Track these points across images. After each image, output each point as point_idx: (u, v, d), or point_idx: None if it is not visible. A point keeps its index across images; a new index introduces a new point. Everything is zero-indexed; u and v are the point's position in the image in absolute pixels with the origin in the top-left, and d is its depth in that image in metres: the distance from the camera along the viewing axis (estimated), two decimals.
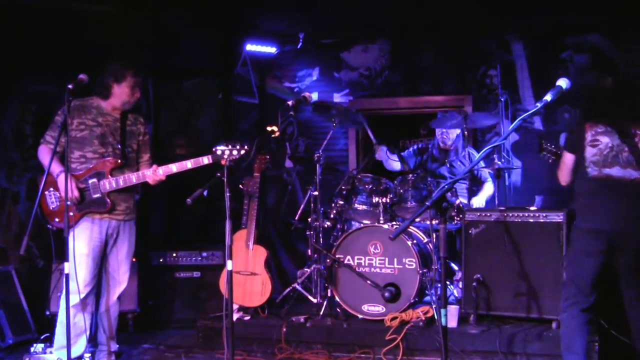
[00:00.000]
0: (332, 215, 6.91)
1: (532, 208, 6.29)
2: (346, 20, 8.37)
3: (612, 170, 4.76)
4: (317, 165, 6.65)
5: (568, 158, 5.04)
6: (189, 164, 5.59)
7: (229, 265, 4.91)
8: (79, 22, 6.96)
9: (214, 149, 5.21)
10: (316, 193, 6.69)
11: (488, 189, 7.41)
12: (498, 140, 4.09)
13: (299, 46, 8.94)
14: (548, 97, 4.03)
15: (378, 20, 8.40)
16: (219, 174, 5.13)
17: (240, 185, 6.96)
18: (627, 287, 4.87)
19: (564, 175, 5.09)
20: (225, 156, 5.13)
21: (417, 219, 6.54)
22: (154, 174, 5.66)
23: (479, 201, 7.18)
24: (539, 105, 4.01)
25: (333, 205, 6.88)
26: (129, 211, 5.82)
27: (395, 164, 7.56)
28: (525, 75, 8.49)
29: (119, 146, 5.74)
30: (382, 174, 6.86)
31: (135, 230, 5.96)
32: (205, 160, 5.49)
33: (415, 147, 7.77)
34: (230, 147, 5.15)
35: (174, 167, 5.65)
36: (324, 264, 6.53)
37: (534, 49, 8.49)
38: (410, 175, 6.66)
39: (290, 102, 6.73)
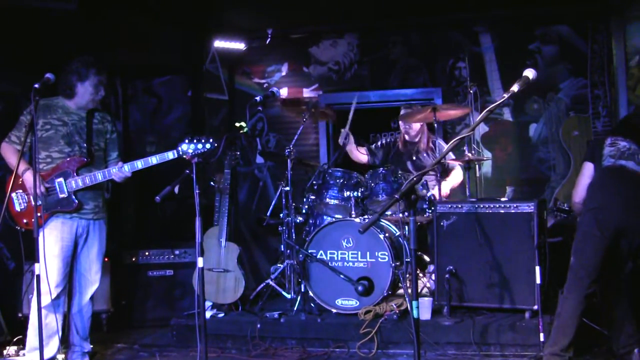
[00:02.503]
0: (304, 210, 6.89)
1: (503, 199, 6.31)
2: (314, 15, 8.34)
3: (627, 163, 5.02)
4: (288, 160, 6.61)
5: (587, 168, 5.22)
6: (154, 160, 5.54)
7: (200, 262, 4.86)
8: (45, 21, 6.87)
9: (178, 144, 5.21)
10: (288, 188, 6.64)
11: (456, 175, 7.43)
12: (465, 132, 4.05)
13: (267, 42, 8.90)
14: (515, 88, 4.04)
15: (346, 14, 8.37)
16: (187, 171, 5.09)
17: (211, 182, 6.91)
18: (620, 272, 5.04)
19: (581, 189, 5.25)
20: (190, 151, 5.13)
21: (389, 212, 6.56)
22: (119, 170, 5.61)
23: (446, 186, 7.17)
24: (505, 96, 4.03)
25: (305, 200, 6.86)
26: (97, 210, 5.75)
27: (362, 157, 7.57)
28: (494, 67, 8.53)
29: (85, 145, 5.67)
30: (353, 168, 6.84)
31: (105, 229, 5.88)
32: (170, 155, 5.43)
33: (382, 141, 7.75)
34: (195, 142, 5.13)
35: (139, 164, 5.60)
36: (296, 259, 6.49)
37: (502, 41, 8.53)
38: (381, 168, 6.63)
39: (257, 98, 6.71)
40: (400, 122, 7.45)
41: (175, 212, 8.41)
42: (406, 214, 6.38)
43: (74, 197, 5.57)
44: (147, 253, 7.28)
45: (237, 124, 6.67)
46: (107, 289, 6.91)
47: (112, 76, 6.04)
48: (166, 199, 5.17)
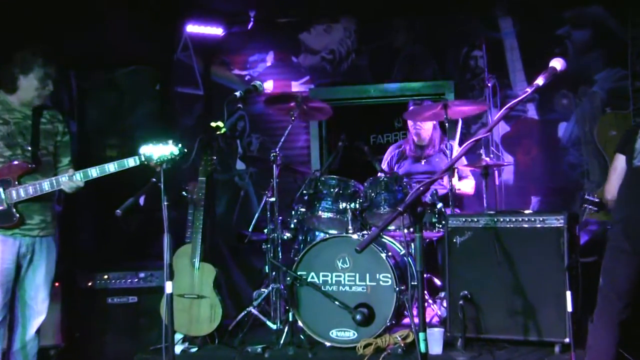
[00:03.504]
0: (292, 225, 6.87)
1: (527, 211, 6.23)
2: None
3: None
4: (274, 166, 6.55)
5: (619, 161, 5.18)
6: (111, 168, 5.48)
7: (168, 287, 4.80)
8: None
9: (140, 150, 5.14)
10: (273, 199, 6.62)
11: (466, 185, 7.44)
12: (481, 133, 3.99)
13: (249, 27, 8.87)
14: (540, 81, 4.03)
15: None
16: (154, 180, 5.01)
17: (183, 192, 6.86)
18: None
19: (613, 183, 5.22)
20: (156, 157, 5.03)
21: (392, 227, 6.50)
22: (70, 179, 5.52)
23: (461, 186, 7.23)
24: (528, 90, 4.01)
25: (293, 213, 6.83)
26: (45, 225, 5.65)
27: None
28: (516, 56, 8.51)
29: (30, 148, 5.60)
30: (350, 175, 6.79)
31: (56, 248, 5.81)
32: (131, 162, 5.37)
33: (391, 155, 7.72)
34: (161, 147, 5.04)
35: (93, 172, 5.53)
36: (283, 282, 6.46)
37: (525, 25, 8.51)
38: (383, 176, 6.61)
39: (237, 93, 6.66)
40: (409, 121, 7.43)
41: (140, 227, 8.33)
42: (412, 229, 6.32)
43: (14, 210, 5.47)
44: (106, 276, 7.21)
45: (214, 124, 6.59)
46: (57, 320, 6.85)
47: (65, 68, 5.95)
48: (129, 213, 5.09)
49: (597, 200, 6.42)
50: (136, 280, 7.23)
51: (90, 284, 7.18)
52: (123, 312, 7.19)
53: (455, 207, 6.74)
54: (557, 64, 4.10)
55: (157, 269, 7.18)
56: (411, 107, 7.30)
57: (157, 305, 6.66)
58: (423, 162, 7.45)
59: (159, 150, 5.05)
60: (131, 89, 8.93)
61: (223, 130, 6.51)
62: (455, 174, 7.27)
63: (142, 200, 5.13)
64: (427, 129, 7.45)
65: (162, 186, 4.92)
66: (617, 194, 5.11)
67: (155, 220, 5.42)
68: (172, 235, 4.86)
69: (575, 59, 8.27)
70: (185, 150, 5.16)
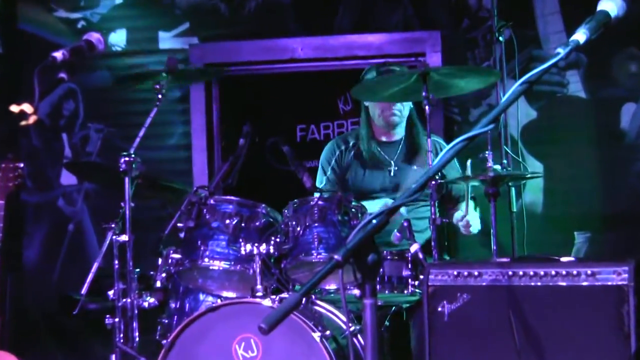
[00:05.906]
0: (158, 283, 6.81)
1: (565, 259, 6.24)
2: None
3: None
4: (126, 179, 6.54)
5: None
6: None
7: None
8: None
9: None
10: (125, 238, 6.56)
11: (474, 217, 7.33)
12: (480, 125, 3.85)
13: None
14: (581, 36, 3.95)
15: None
16: None
17: None
18: None
19: None
20: None
21: (333, 287, 6.48)
22: None
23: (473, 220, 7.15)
24: (561, 51, 3.91)
25: (161, 261, 6.81)
26: None
27: None
28: None
29: None
30: (259, 197, 6.76)
31: None
32: None
33: (337, 157, 7.72)
34: None
35: None
36: None
37: None
38: (316, 197, 6.60)
39: (58, 54, 6.60)
40: (368, 103, 7.44)
41: None
42: (357, 292, 6.32)
43: None
44: None
45: (17, 107, 6.56)
46: None
47: None
48: None
49: None
50: None
51: None
52: None
53: (441, 250, 6.76)
54: (611, 5, 4.09)
55: None
56: (368, 75, 7.31)
57: None
58: (392, 173, 7.46)
59: None
60: None
61: (34, 117, 6.47)
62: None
63: None
64: (406, 115, 7.50)
65: None
66: None
67: None
68: None
69: None
70: None
